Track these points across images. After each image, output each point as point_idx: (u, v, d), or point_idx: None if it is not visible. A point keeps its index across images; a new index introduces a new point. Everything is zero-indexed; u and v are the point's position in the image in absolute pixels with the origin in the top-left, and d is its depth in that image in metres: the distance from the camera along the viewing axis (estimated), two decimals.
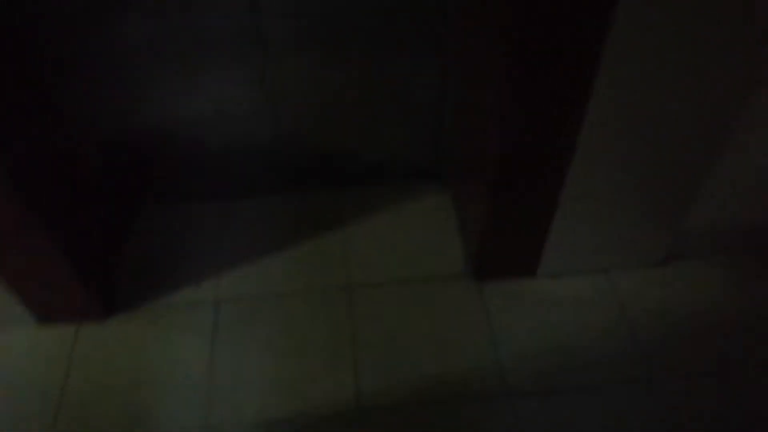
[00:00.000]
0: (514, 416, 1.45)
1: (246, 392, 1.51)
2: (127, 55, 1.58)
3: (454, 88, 1.72)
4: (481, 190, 1.53)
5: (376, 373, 1.54)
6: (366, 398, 1.49)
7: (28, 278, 1.54)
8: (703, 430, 1.43)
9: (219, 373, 1.55)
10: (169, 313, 1.67)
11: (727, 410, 1.46)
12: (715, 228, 1.71)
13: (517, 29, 1.12)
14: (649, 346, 1.58)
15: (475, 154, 1.58)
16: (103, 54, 1.57)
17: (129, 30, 1.53)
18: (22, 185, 1.32)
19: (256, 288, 1.72)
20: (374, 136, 1.86)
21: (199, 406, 1.49)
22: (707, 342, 1.59)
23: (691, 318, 1.64)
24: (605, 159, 1.40)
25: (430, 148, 1.92)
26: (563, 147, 1.35)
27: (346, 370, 1.55)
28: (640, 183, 1.48)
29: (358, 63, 1.66)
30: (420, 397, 1.49)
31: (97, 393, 1.52)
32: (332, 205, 1.95)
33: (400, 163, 1.95)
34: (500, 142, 1.33)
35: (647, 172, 1.45)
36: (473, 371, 1.54)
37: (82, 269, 1.56)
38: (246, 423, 1.46)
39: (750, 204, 1.64)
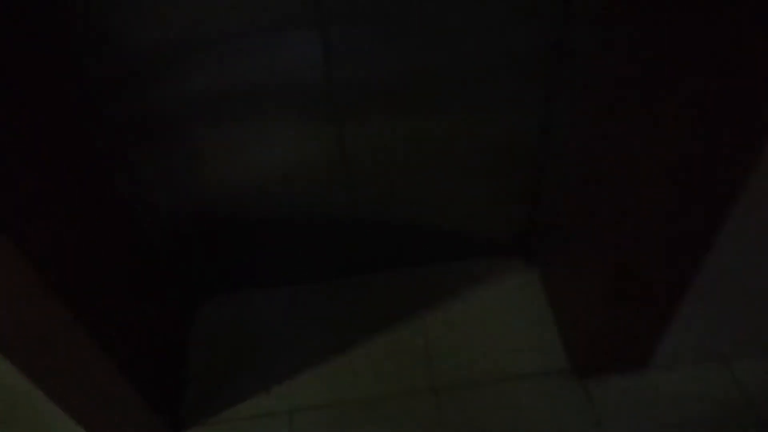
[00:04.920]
0: None
1: None
2: (187, 114, 1.36)
3: (564, 141, 1.44)
4: (595, 270, 1.34)
5: None
6: None
7: (87, 405, 1.39)
8: None
9: None
10: (240, 426, 1.51)
11: None
12: None
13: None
14: None
15: (588, 226, 1.37)
16: (160, 115, 1.35)
17: (190, 86, 1.31)
18: (75, 293, 1.13)
19: (334, 392, 1.55)
20: (457, 204, 1.66)
21: None
22: None
23: None
24: (754, 236, 1.21)
25: (518, 219, 1.72)
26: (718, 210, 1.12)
27: None
28: None
29: (443, 112, 1.43)
30: None
31: None
32: (408, 286, 1.77)
33: (481, 235, 1.76)
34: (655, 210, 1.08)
35: None
36: None
37: (145, 388, 1.41)
38: None
39: None
